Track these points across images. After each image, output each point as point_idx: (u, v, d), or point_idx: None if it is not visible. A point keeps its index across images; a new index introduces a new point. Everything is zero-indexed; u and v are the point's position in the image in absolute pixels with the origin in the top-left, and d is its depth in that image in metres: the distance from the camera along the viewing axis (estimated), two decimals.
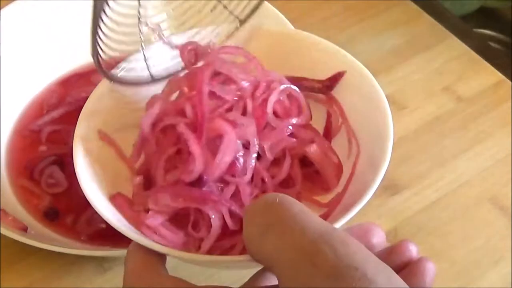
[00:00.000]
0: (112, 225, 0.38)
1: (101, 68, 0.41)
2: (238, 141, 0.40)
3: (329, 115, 0.47)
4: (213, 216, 0.40)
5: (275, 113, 0.44)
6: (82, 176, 0.41)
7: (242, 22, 0.46)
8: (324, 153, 0.44)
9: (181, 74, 0.45)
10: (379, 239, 0.36)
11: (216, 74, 0.43)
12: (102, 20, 0.38)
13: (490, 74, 0.65)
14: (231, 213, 0.40)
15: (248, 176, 0.41)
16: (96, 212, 0.39)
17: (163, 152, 0.42)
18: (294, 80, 0.46)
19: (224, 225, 0.40)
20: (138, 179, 0.43)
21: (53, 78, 0.63)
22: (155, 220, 0.40)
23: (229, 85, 0.43)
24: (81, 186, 0.40)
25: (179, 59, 0.46)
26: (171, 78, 0.45)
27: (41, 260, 0.52)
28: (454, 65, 0.66)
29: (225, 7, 0.45)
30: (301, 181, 0.44)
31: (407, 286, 0.29)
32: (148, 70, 0.44)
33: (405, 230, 0.54)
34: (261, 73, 0.44)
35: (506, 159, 0.58)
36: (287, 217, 0.29)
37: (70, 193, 0.55)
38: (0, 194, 0.53)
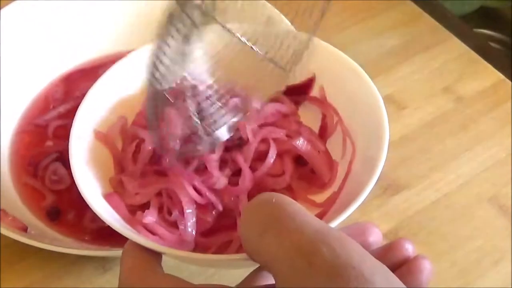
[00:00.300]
0: (107, 223, 0.38)
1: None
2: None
3: (323, 116, 0.47)
4: (181, 193, 0.41)
5: None
6: (78, 174, 0.41)
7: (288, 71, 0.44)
8: (313, 145, 0.45)
9: None
10: (376, 238, 0.36)
11: None
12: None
13: (490, 74, 0.65)
14: (198, 190, 0.41)
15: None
16: None
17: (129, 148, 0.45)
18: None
19: (219, 217, 0.41)
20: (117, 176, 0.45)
21: (55, 73, 0.64)
22: (151, 215, 0.41)
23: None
24: (77, 184, 0.40)
25: None
26: None
27: (41, 260, 0.52)
28: (454, 65, 0.66)
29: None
30: (291, 173, 0.44)
31: (404, 286, 0.29)
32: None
33: (405, 230, 0.54)
34: None
35: (506, 159, 0.58)
36: (284, 217, 0.29)
37: (73, 190, 0.55)
38: (1, 192, 0.53)
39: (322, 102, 0.47)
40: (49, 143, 0.59)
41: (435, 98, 0.63)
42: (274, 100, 0.47)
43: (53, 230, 0.53)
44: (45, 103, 0.62)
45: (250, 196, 0.43)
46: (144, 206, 0.43)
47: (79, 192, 0.40)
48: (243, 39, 0.38)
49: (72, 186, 0.54)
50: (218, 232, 0.42)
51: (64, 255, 0.47)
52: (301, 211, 0.30)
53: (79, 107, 0.45)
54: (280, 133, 0.45)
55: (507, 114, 0.61)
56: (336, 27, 0.69)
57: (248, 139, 0.44)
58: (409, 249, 0.35)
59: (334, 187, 0.44)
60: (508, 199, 0.55)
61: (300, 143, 0.44)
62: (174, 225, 0.42)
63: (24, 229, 0.51)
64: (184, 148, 0.41)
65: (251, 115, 0.44)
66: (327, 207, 0.43)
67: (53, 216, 0.54)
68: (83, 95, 0.45)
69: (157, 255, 0.37)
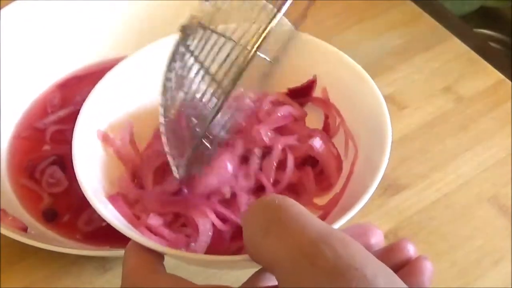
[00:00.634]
0: (111, 224, 0.38)
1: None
2: (230, 169, 0.42)
3: (326, 117, 0.47)
4: (199, 220, 0.41)
5: None
6: (81, 175, 0.41)
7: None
8: (328, 146, 0.45)
9: None
10: (378, 239, 0.36)
11: None
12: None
13: (490, 74, 0.65)
14: (220, 215, 0.41)
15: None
16: (95, 213, 0.39)
17: (151, 164, 0.45)
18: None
19: (236, 230, 0.41)
20: (130, 184, 0.44)
21: (54, 78, 0.64)
22: (157, 221, 0.41)
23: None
24: (80, 185, 0.40)
25: None
26: None
27: (41, 260, 0.52)
28: (454, 65, 0.66)
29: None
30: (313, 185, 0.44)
31: (406, 287, 0.29)
32: None
33: (405, 230, 0.54)
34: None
35: (506, 159, 0.58)
36: (287, 218, 0.29)
37: (70, 193, 0.55)
38: (0, 193, 0.53)
39: (325, 102, 0.47)
40: (47, 147, 0.59)
41: (435, 98, 0.63)
42: (283, 103, 0.47)
43: (48, 230, 0.53)
44: (43, 108, 0.62)
45: None
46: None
47: (76, 195, 0.40)
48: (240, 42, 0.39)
49: (69, 189, 0.55)
50: (231, 241, 0.42)
51: (64, 255, 0.47)
52: (303, 213, 0.30)
53: (83, 106, 0.44)
54: (294, 141, 0.45)
55: (507, 114, 0.61)
56: (336, 27, 0.69)
57: (267, 145, 0.44)
58: (411, 250, 0.35)
59: (336, 188, 0.44)
60: (508, 199, 0.55)
61: (318, 144, 0.44)
62: (181, 230, 0.42)
63: (24, 229, 0.51)
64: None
65: (246, 112, 0.44)
66: (329, 209, 0.42)
67: (49, 217, 0.54)
68: (83, 99, 0.45)
69: (159, 256, 0.37)
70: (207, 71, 0.41)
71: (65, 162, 0.56)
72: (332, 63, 0.46)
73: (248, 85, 0.43)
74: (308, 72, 0.47)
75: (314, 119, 0.47)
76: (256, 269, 0.37)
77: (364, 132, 0.44)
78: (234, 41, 0.41)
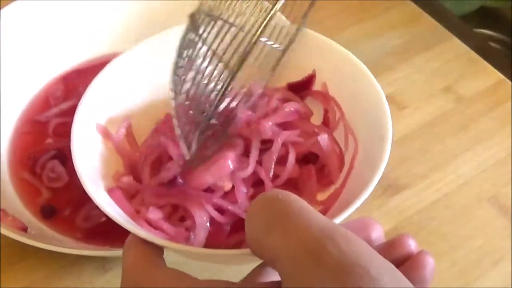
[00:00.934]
0: (110, 217, 0.38)
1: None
2: (230, 165, 0.42)
3: (326, 111, 0.47)
4: (195, 212, 0.41)
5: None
6: (80, 168, 0.41)
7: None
8: (332, 144, 0.45)
9: None
10: (378, 234, 0.36)
11: None
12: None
13: (490, 74, 0.65)
14: (217, 207, 0.41)
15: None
16: (93, 209, 0.39)
17: (149, 158, 0.45)
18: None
19: (235, 223, 0.41)
20: (127, 178, 0.44)
21: (56, 72, 0.64)
22: (156, 214, 0.41)
23: None
24: (79, 178, 0.40)
25: None
26: None
27: (41, 260, 0.52)
28: (454, 65, 0.66)
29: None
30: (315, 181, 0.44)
31: (410, 284, 0.29)
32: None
33: (405, 230, 0.53)
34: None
35: (506, 159, 0.58)
36: (290, 214, 0.29)
37: (69, 188, 0.55)
38: (0, 191, 0.53)
39: (324, 96, 0.47)
40: (49, 140, 0.59)
41: (435, 98, 0.63)
42: (288, 99, 0.47)
43: (46, 227, 0.53)
44: (45, 101, 0.62)
45: None
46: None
47: (75, 190, 0.40)
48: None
49: (69, 184, 0.55)
50: (230, 235, 0.42)
51: (64, 255, 0.47)
52: (307, 208, 0.30)
53: (81, 99, 0.44)
54: (296, 136, 0.44)
55: (507, 114, 0.61)
56: (336, 27, 0.69)
57: (268, 139, 0.44)
58: (412, 245, 0.35)
59: (336, 184, 0.44)
60: (508, 199, 0.55)
61: (324, 141, 0.44)
62: (180, 224, 0.42)
63: (24, 229, 0.51)
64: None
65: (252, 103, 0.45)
66: (330, 204, 0.42)
67: (47, 213, 0.54)
68: None
69: (159, 249, 0.37)
70: (217, 56, 0.41)
71: (66, 156, 0.56)
72: (332, 58, 0.46)
73: (256, 74, 0.45)
74: (308, 67, 0.47)
75: (314, 113, 0.47)
76: (256, 264, 0.37)
77: (364, 126, 0.43)
78: (240, 26, 0.42)
